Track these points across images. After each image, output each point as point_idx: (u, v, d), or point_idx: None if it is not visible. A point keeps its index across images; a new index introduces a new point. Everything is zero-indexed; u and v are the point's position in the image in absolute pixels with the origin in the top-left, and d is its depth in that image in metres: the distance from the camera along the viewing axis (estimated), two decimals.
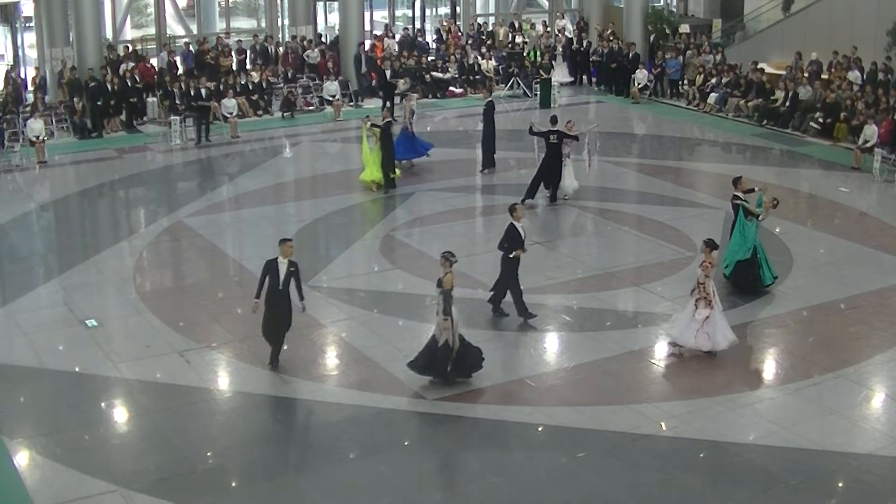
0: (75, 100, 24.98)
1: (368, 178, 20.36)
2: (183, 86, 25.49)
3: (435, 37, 32.49)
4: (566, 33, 33.30)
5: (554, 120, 19.75)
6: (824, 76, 26.67)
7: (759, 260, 14.95)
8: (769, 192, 15.24)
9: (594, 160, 20.38)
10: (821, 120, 24.71)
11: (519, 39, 32.64)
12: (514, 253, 13.79)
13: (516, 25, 33.25)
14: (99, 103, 25.02)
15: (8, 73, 25.92)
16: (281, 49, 30.17)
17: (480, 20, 34.95)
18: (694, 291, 12.90)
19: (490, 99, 22.11)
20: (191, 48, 29.18)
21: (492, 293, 14.30)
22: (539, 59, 30.61)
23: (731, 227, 15.51)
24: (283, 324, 12.66)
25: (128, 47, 28.64)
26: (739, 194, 15.17)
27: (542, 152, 19.59)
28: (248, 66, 29.20)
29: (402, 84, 28.05)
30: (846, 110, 24.33)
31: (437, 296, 11.97)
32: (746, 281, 15.01)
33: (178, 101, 25.61)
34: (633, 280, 15.68)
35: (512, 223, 13.99)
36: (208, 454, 10.93)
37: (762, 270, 14.98)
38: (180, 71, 27.65)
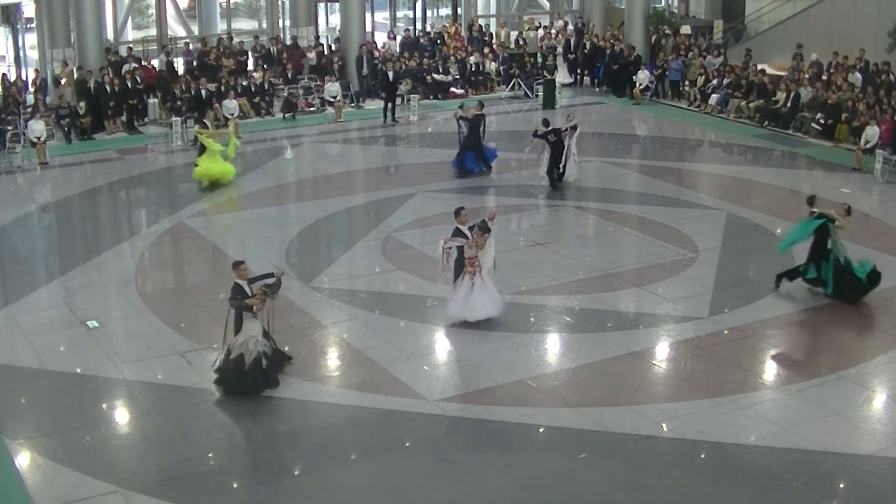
0: (81, 104, 24.95)
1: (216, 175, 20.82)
2: (185, 86, 25.46)
3: (435, 38, 32.42)
4: (565, 34, 33.28)
5: (546, 122, 20.53)
6: (824, 77, 26.67)
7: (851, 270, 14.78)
8: (835, 208, 15.22)
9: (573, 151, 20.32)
10: (822, 121, 24.70)
11: (520, 40, 32.62)
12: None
13: (523, 30, 33.21)
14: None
15: (4, 76, 25.89)
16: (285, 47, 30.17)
17: (482, 21, 34.93)
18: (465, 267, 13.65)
19: (481, 112, 21.56)
20: (191, 48, 29.18)
21: None
22: (540, 60, 30.62)
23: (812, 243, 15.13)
24: None
25: (130, 48, 28.65)
26: (815, 210, 15.05)
27: (547, 153, 20.23)
28: (251, 68, 29.21)
29: (403, 86, 28.12)
30: (847, 111, 24.32)
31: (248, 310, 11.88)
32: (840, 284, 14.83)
33: (178, 103, 25.62)
34: (634, 281, 15.67)
35: (457, 227, 14.10)
36: (210, 455, 10.93)
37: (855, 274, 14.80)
38: (181, 72, 27.64)
